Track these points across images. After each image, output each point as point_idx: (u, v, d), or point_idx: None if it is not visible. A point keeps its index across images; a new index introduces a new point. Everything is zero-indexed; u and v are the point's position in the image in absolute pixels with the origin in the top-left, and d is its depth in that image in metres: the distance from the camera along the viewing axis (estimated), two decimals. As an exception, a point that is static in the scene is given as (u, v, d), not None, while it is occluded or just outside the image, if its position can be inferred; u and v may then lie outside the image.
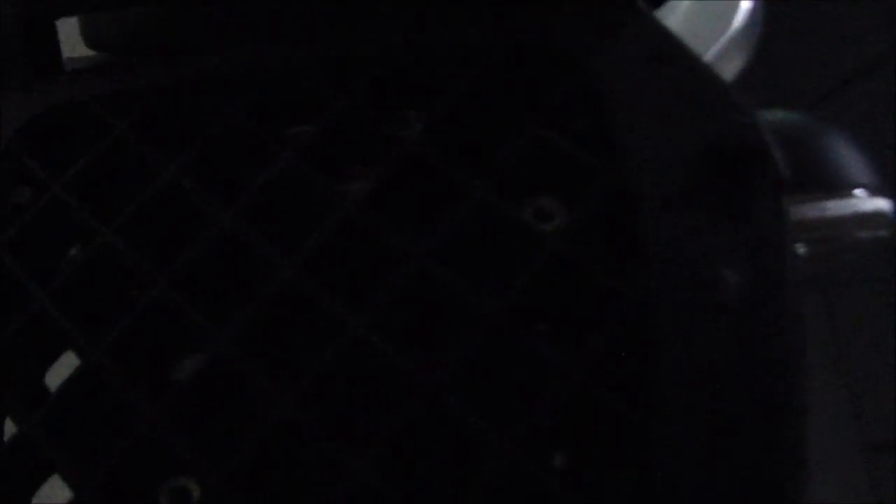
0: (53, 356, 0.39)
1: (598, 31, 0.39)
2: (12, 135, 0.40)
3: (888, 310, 1.15)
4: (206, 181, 0.39)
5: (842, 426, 1.22)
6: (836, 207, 0.55)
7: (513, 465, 0.32)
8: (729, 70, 0.59)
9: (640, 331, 0.33)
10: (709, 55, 0.58)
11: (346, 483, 0.32)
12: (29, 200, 0.40)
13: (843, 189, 0.57)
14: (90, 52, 0.48)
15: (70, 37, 0.46)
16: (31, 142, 0.41)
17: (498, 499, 0.32)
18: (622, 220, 0.36)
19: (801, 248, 0.55)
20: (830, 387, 1.25)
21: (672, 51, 0.38)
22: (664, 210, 0.35)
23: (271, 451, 0.34)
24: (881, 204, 0.54)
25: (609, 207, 0.36)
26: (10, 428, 0.37)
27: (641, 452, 0.31)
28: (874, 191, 0.57)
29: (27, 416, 0.35)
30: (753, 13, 0.57)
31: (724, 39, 0.60)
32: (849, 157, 0.59)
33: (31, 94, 0.41)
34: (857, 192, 0.57)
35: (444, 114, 0.38)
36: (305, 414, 0.33)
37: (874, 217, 0.55)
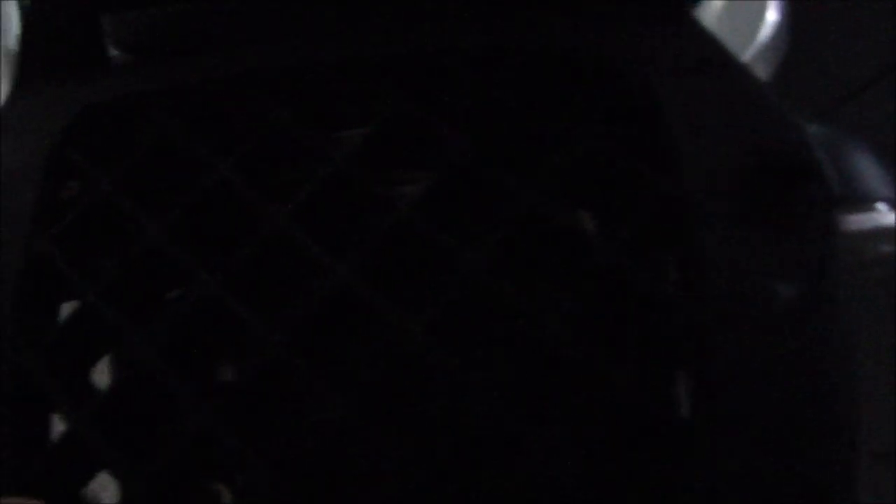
0: (101, 353, 0.39)
1: (649, 39, 0.39)
2: (61, 130, 0.40)
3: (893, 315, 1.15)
4: (257, 180, 0.39)
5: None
6: (857, 221, 0.56)
7: (573, 475, 0.32)
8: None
9: (695, 342, 0.34)
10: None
11: (396, 484, 0.32)
12: (77, 196, 0.40)
13: (864, 203, 0.57)
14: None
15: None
16: (79, 137, 0.41)
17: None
18: (675, 232, 0.36)
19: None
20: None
21: (723, 62, 0.39)
22: (718, 223, 0.35)
23: (325, 450, 0.34)
24: (903, 218, 0.54)
25: (663, 219, 0.36)
26: (57, 423, 0.38)
27: (699, 463, 0.32)
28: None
29: (77, 412, 0.35)
30: (779, 27, 0.57)
31: (749, 52, 0.60)
32: (869, 170, 0.59)
33: (79, 89, 0.41)
34: (879, 205, 0.57)
35: (496, 119, 0.39)
36: (362, 416, 0.33)
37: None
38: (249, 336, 0.36)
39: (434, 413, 0.36)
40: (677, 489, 0.33)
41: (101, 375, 0.40)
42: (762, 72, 0.63)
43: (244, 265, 0.37)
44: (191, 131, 0.40)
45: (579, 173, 0.38)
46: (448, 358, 0.34)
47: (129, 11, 0.43)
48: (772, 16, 0.62)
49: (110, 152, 0.40)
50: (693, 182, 0.36)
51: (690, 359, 0.35)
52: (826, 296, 0.34)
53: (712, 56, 0.39)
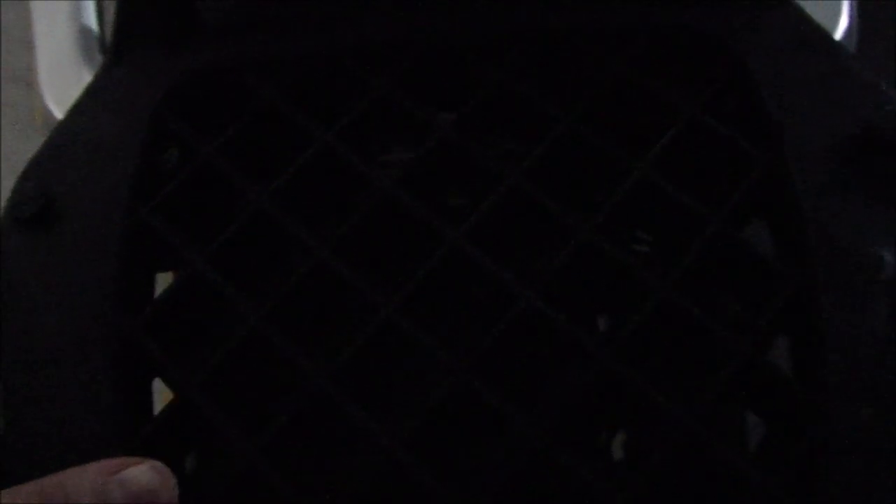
0: (207, 320, 0.38)
1: (752, 19, 0.40)
2: (160, 98, 0.40)
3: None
4: (359, 149, 0.39)
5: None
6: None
7: (689, 435, 0.32)
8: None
9: (808, 310, 0.34)
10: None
11: (522, 453, 0.33)
12: (177, 164, 0.40)
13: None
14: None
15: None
16: (177, 105, 0.40)
17: (675, 464, 0.32)
18: (778, 205, 0.37)
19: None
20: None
21: (820, 39, 0.39)
22: (821, 195, 0.36)
23: (446, 420, 0.34)
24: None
25: (766, 192, 0.37)
26: (157, 387, 0.37)
27: (813, 423, 0.32)
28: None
29: (188, 379, 0.35)
30: (850, 31, 0.58)
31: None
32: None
33: (176, 58, 0.41)
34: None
35: (600, 93, 0.39)
36: (481, 382, 0.33)
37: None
38: (361, 303, 0.36)
39: (553, 376, 0.36)
40: (784, 448, 0.33)
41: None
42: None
43: (353, 232, 0.37)
44: (292, 100, 0.40)
45: (681, 146, 0.38)
46: (564, 322, 0.34)
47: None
48: (843, 21, 0.63)
49: (207, 121, 0.40)
50: (795, 154, 0.37)
51: (797, 324, 0.35)
52: None
53: (810, 34, 0.39)
